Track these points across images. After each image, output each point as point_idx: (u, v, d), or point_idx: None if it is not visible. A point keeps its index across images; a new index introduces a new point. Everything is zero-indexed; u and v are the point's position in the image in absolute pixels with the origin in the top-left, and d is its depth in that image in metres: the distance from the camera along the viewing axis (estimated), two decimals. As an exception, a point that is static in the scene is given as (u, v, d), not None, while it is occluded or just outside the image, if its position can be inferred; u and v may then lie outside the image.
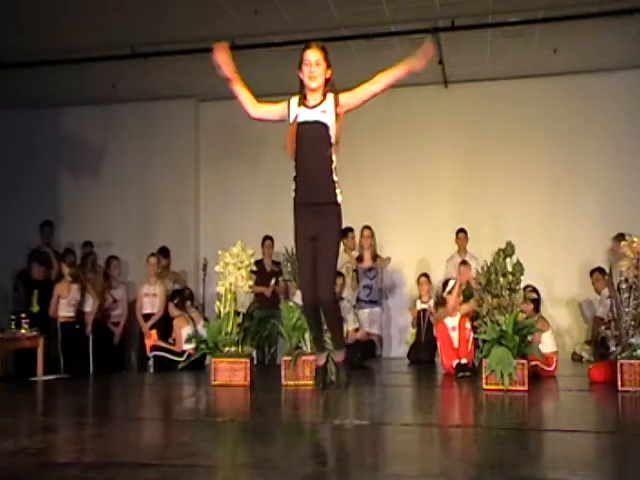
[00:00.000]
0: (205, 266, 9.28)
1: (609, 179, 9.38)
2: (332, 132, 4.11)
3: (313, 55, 4.11)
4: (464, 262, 8.66)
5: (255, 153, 10.20)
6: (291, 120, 4.14)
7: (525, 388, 5.75)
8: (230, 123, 10.38)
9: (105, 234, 9.90)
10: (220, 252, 6.71)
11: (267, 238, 9.25)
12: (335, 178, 4.13)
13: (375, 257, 9.05)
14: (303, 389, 6.06)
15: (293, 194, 4.19)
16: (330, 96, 4.14)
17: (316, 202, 4.10)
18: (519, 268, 6.14)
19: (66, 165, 10.58)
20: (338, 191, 4.14)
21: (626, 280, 6.06)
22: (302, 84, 4.17)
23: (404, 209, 9.80)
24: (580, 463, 3.34)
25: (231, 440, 4.25)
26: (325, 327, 4.42)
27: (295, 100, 4.18)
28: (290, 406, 5.65)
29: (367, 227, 8.99)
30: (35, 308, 7.61)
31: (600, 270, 8.29)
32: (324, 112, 4.10)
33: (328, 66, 4.14)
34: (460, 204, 9.60)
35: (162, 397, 6.32)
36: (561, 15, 7.81)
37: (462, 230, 9.20)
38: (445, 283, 7.65)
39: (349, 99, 4.16)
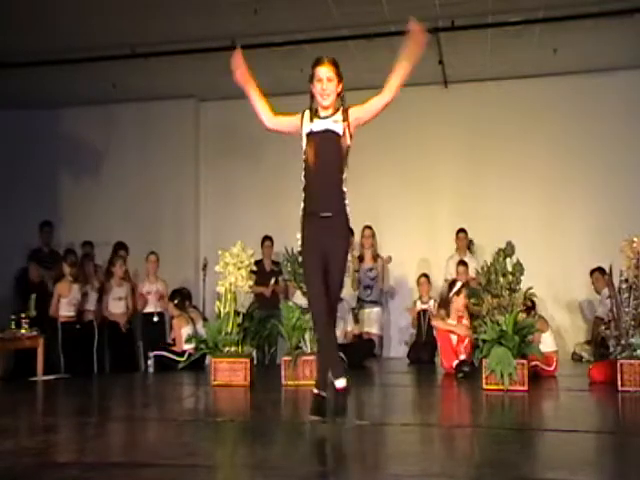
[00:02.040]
0: (205, 266, 9.28)
1: (609, 179, 9.39)
2: (342, 142, 4.07)
3: (325, 72, 4.08)
4: (463, 262, 8.67)
5: (255, 153, 10.20)
6: (304, 134, 4.11)
7: (525, 388, 5.75)
8: (230, 123, 10.39)
9: (105, 234, 9.89)
10: (220, 252, 6.71)
11: (267, 238, 9.25)
12: (344, 189, 4.10)
13: (376, 257, 9.05)
14: (303, 389, 6.05)
15: (302, 204, 4.16)
16: (341, 110, 4.12)
17: (325, 214, 4.05)
18: (519, 268, 6.14)
19: (66, 165, 10.58)
20: (347, 202, 4.10)
21: (626, 280, 6.06)
22: (313, 99, 4.14)
23: (404, 209, 9.81)
24: (580, 463, 3.34)
25: (231, 440, 4.24)
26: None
27: (307, 115, 4.14)
28: (290, 406, 5.65)
29: (368, 227, 8.99)
30: (32, 313, 7.58)
31: (600, 270, 8.29)
32: (335, 122, 4.08)
33: (340, 80, 4.11)
34: (460, 204, 9.61)
35: (162, 397, 6.31)
36: (561, 15, 7.82)
37: (462, 230, 9.21)
38: (452, 284, 7.63)
39: (359, 112, 4.11)
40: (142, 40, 8.39)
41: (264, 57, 8.74)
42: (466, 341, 7.05)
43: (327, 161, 4.07)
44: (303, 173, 4.14)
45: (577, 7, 7.64)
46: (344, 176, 4.10)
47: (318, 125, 4.09)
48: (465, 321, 7.22)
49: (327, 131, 4.07)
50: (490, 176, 9.66)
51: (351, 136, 4.11)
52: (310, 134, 4.10)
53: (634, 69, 9.41)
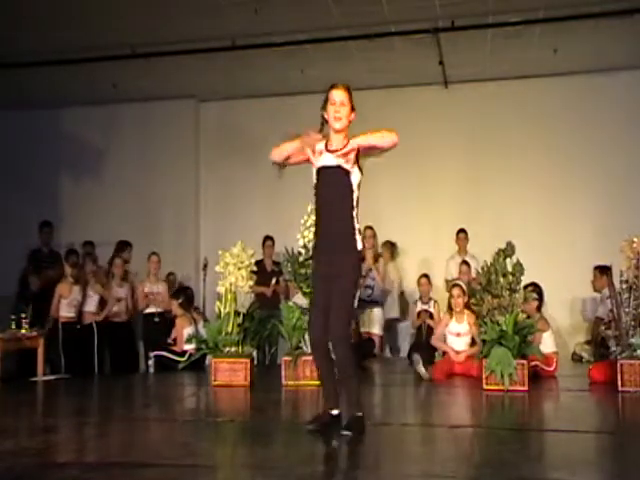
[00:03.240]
0: (205, 266, 9.28)
1: (609, 179, 9.39)
2: (353, 178, 4.04)
3: (339, 96, 4.06)
4: (465, 262, 8.66)
5: (255, 153, 10.16)
6: (314, 169, 4.10)
7: (525, 388, 5.75)
8: (230, 123, 10.41)
9: (105, 234, 9.89)
10: (220, 252, 6.70)
11: (268, 238, 9.25)
12: (356, 225, 4.07)
13: (377, 257, 9.05)
14: (303, 389, 6.06)
15: (313, 239, 4.20)
16: (352, 142, 4.03)
17: (336, 251, 4.03)
18: (519, 268, 6.14)
19: (66, 165, 10.58)
20: (358, 238, 4.07)
21: (626, 280, 6.06)
22: (324, 123, 4.12)
23: (404, 209, 9.81)
24: (580, 463, 3.34)
25: (231, 440, 4.25)
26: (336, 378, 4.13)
27: (318, 148, 4.10)
28: (290, 406, 5.65)
29: (369, 227, 8.99)
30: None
31: (601, 269, 8.23)
32: (348, 161, 4.03)
33: (352, 109, 4.10)
34: (461, 204, 9.61)
35: (162, 397, 6.31)
36: (561, 15, 7.83)
37: (462, 230, 9.21)
38: (452, 287, 7.62)
39: (357, 140, 4.05)
40: (142, 40, 8.39)
41: (264, 57, 8.76)
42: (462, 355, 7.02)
43: (338, 201, 4.05)
44: (314, 206, 4.16)
45: (577, 7, 7.65)
46: (355, 212, 4.06)
47: (329, 160, 4.06)
48: (464, 338, 7.16)
49: (337, 167, 4.04)
50: (491, 176, 9.66)
51: (360, 169, 4.07)
52: (321, 169, 4.08)
53: (634, 69, 9.41)
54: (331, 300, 4.00)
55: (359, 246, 4.08)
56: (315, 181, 4.13)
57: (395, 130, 4.08)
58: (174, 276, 9.75)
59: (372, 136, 4.03)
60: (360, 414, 4.03)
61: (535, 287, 6.92)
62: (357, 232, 4.08)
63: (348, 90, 4.12)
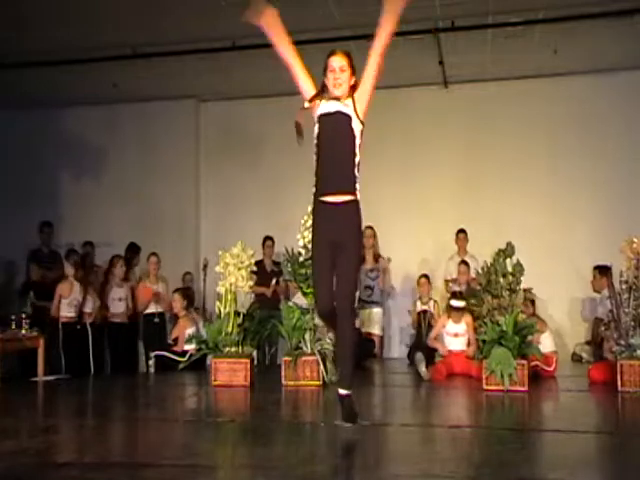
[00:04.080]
0: (205, 266, 9.29)
1: (610, 179, 9.39)
2: (355, 124, 4.02)
3: (338, 61, 4.06)
4: (464, 262, 8.65)
5: (256, 153, 10.20)
6: (316, 115, 4.05)
7: (525, 388, 5.75)
8: (231, 123, 10.41)
9: (105, 234, 9.90)
10: (220, 252, 6.71)
11: (268, 238, 9.25)
12: (357, 173, 4.03)
13: (377, 257, 9.05)
14: (303, 389, 6.07)
15: (313, 189, 4.08)
16: (349, 98, 4.08)
17: (335, 200, 3.97)
18: (519, 269, 6.14)
19: (66, 165, 10.58)
20: (358, 187, 4.04)
21: (626, 281, 6.06)
22: (325, 90, 4.09)
23: (404, 209, 9.81)
24: (580, 463, 3.34)
25: (231, 440, 4.25)
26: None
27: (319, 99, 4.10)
28: (290, 406, 5.65)
29: (369, 227, 8.98)
30: (28, 310, 7.58)
31: (600, 269, 8.22)
32: (346, 105, 4.04)
33: (353, 72, 4.08)
34: (460, 204, 9.61)
35: (162, 397, 6.31)
36: (561, 15, 7.82)
37: (462, 230, 9.20)
38: (453, 294, 7.62)
39: (361, 93, 4.06)
40: (143, 40, 8.40)
41: (264, 57, 8.74)
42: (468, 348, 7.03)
43: (339, 142, 4.03)
44: (315, 155, 4.08)
45: (577, 7, 7.64)
46: (357, 160, 4.04)
47: (330, 106, 4.05)
48: (461, 338, 7.17)
49: (339, 113, 4.03)
50: (490, 176, 9.66)
51: (362, 122, 4.05)
52: (322, 115, 4.05)
53: (634, 69, 9.41)
54: (336, 269, 3.95)
55: (359, 195, 4.04)
56: (317, 128, 4.08)
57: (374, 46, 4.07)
58: (191, 275, 9.71)
59: (368, 68, 4.04)
60: (348, 392, 3.99)
61: (529, 292, 6.93)
62: (358, 180, 4.03)
63: (348, 55, 4.10)
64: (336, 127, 4.03)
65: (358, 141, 4.05)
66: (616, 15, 7.72)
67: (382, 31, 4.12)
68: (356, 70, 4.10)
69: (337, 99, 4.06)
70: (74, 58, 8.64)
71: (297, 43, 8.98)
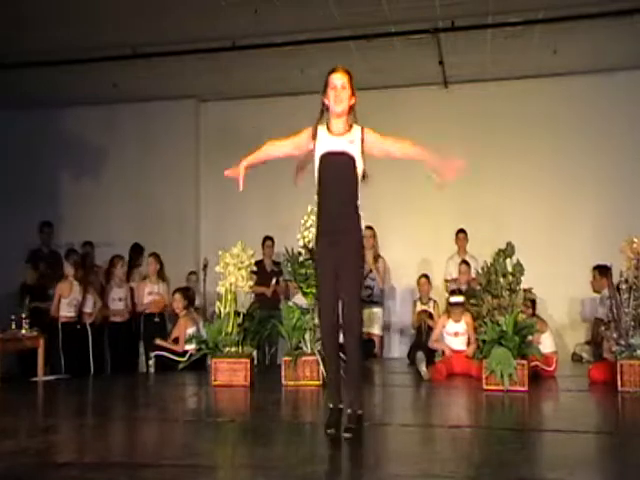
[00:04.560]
0: (205, 266, 9.28)
1: (609, 179, 9.39)
2: (358, 164, 4.01)
3: (339, 79, 4.02)
4: (465, 262, 8.64)
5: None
6: (317, 154, 4.04)
7: (525, 388, 5.75)
8: (231, 123, 10.40)
9: (105, 234, 9.90)
10: (220, 252, 6.70)
11: (267, 238, 9.25)
12: (360, 213, 4.05)
13: (377, 257, 9.05)
14: (303, 389, 6.07)
15: (315, 228, 4.14)
16: (357, 128, 4.05)
17: (339, 231, 3.98)
18: (519, 268, 6.14)
19: (66, 165, 10.58)
20: (362, 223, 4.07)
21: (626, 281, 6.06)
22: (324, 110, 4.07)
23: (404, 209, 9.81)
24: (580, 463, 3.34)
25: (231, 440, 4.25)
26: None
27: (320, 131, 4.06)
28: (290, 406, 5.65)
29: (368, 227, 8.98)
30: (25, 313, 7.57)
31: (600, 269, 8.21)
32: (352, 142, 4.00)
33: (353, 93, 4.05)
34: (460, 204, 9.60)
35: (162, 397, 6.31)
36: (561, 15, 7.83)
37: (462, 230, 9.20)
38: (452, 292, 7.61)
39: (374, 141, 4.07)
40: (143, 40, 8.40)
41: (264, 57, 8.76)
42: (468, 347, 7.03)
43: (343, 184, 4.01)
44: (317, 193, 4.09)
45: (577, 7, 7.64)
46: (359, 201, 4.05)
47: (333, 145, 4.00)
48: (461, 337, 7.17)
49: (343, 154, 3.99)
50: (490, 176, 9.65)
51: (364, 161, 4.05)
52: (325, 155, 4.01)
53: (634, 69, 9.41)
54: (339, 284, 3.96)
55: (363, 228, 4.09)
56: (318, 166, 4.05)
57: (418, 146, 4.21)
58: (195, 275, 9.68)
59: (390, 143, 4.13)
60: (360, 412, 4.00)
61: (529, 292, 6.92)
62: (361, 218, 4.06)
63: (348, 73, 4.08)
64: (340, 169, 4.01)
65: (360, 181, 4.05)
66: (616, 15, 7.72)
67: (417, 154, 4.32)
68: (355, 91, 4.08)
69: (340, 135, 4.02)
70: (74, 58, 8.64)
71: (296, 43, 9.03)
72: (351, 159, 4.00)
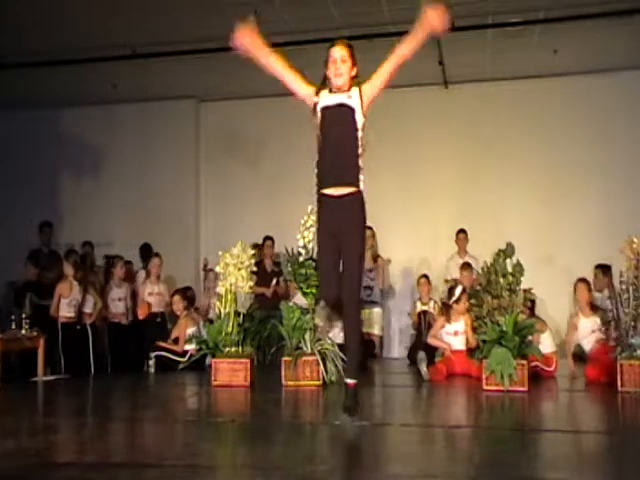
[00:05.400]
0: (205, 266, 9.28)
1: (610, 179, 9.39)
2: (358, 117, 4.08)
3: (339, 52, 4.11)
4: (467, 265, 8.61)
5: (256, 154, 10.20)
6: (318, 108, 4.11)
7: (525, 388, 5.75)
8: (231, 124, 10.40)
9: (105, 234, 9.91)
10: (220, 253, 6.71)
11: (267, 238, 9.26)
12: (360, 163, 4.08)
13: (376, 258, 9.05)
14: (303, 389, 6.06)
15: (315, 180, 4.12)
16: (355, 88, 4.14)
17: (339, 192, 4.01)
18: (519, 269, 6.14)
19: (66, 165, 10.59)
20: (362, 177, 4.09)
21: (626, 280, 6.05)
22: (327, 81, 4.14)
23: (404, 209, 9.81)
24: (580, 463, 3.35)
25: (231, 440, 4.25)
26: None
27: (322, 91, 4.16)
28: (290, 406, 5.65)
29: (368, 227, 8.95)
30: (27, 311, 7.57)
31: (602, 268, 8.18)
32: (349, 97, 4.09)
33: (354, 63, 4.13)
34: (460, 204, 9.61)
35: (162, 397, 6.31)
36: (561, 15, 7.83)
37: (462, 231, 9.20)
38: (451, 289, 7.59)
39: (370, 87, 4.13)
40: (142, 40, 8.40)
41: (264, 57, 8.75)
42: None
43: (343, 134, 4.07)
44: (317, 148, 4.12)
45: (577, 7, 7.65)
46: (360, 151, 4.08)
47: (332, 99, 4.10)
48: (461, 336, 7.17)
49: (341, 105, 4.08)
50: (490, 176, 9.66)
51: (365, 115, 4.11)
52: (325, 108, 4.10)
53: (634, 70, 9.41)
54: (341, 258, 3.99)
55: (362, 186, 4.10)
56: (319, 120, 4.12)
57: (395, 51, 4.09)
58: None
59: (381, 72, 4.11)
60: (354, 381, 4.14)
61: (529, 292, 6.91)
62: (361, 171, 4.08)
63: (349, 46, 4.14)
64: (339, 119, 4.08)
65: (360, 134, 4.08)
66: (616, 15, 7.72)
67: (409, 43, 4.10)
68: (357, 61, 4.14)
69: (340, 90, 4.10)
70: (74, 58, 8.64)
71: (296, 43, 9.02)
72: (350, 109, 4.08)
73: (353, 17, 7.89)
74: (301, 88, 4.21)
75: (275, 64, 4.24)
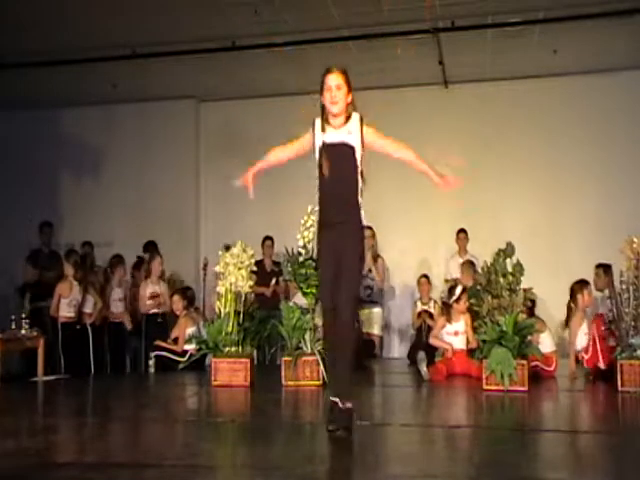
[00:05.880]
0: (205, 266, 9.28)
1: (610, 178, 9.40)
2: (358, 154, 4.07)
3: (334, 80, 4.06)
4: (469, 262, 8.60)
5: (256, 153, 10.08)
6: (317, 145, 4.09)
7: (525, 388, 5.75)
8: (230, 123, 10.40)
9: (105, 234, 9.90)
10: (220, 252, 6.70)
11: (267, 238, 9.26)
12: (360, 200, 4.09)
13: (376, 257, 9.04)
14: (303, 389, 6.06)
15: (317, 217, 4.16)
16: (355, 116, 4.10)
17: (340, 221, 4.03)
18: (519, 268, 6.13)
19: (66, 165, 10.58)
20: (362, 213, 4.10)
21: (626, 280, 6.05)
22: (324, 109, 4.11)
23: (404, 209, 9.81)
24: (580, 463, 3.35)
25: (231, 440, 4.25)
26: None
27: (319, 125, 4.12)
28: (290, 406, 5.65)
29: (368, 227, 8.97)
30: (26, 311, 7.57)
31: (603, 267, 8.16)
32: (350, 133, 4.06)
33: (349, 90, 4.09)
34: (460, 204, 9.59)
35: (162, 397, 6.31)
36: (561, 15, 7.83)
37: (462, 230, 9.20)
38: (451, 288, 7.59)
39: (373, 139, 4.14)
40: (142, 40, 8.40)
41: (264, 57, 8.76)
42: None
43: (343, 174, 4.05)
44: (317, 185, 4.12)
45: (577, 7, 7.65)
46: (360, 187, 4.09)
47: (332, 137, 4.07)
48: (461, 336, 7.17)
49: (342, 145, 4.05)
50: (490, 176, 9.65)
51: (363, 147, 4.11)
52: (324, 147, 4.06)
53: (634, 69, 9.41)
54: (339, 273, 3.98)
55: (364, 220, 4.11)
56: (317, 158, 4.10)
57: (412, 150, 4.21)
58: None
59: (389, 144, 4.18)
60: (349, 406, 3.93)
61: (529, 292, 6.91)
62: (361, 207, 4.09)
63: (344, 73, 4.10)
64: (340, 159, 4.05)
65: (359, 169, 4.09)
66: (616, 15, 7.73)
67: (415, 163, 4.30)
68: (352, 87, 4.11)
69: (337, 119, 4.07)
70: (73, 58, 8.64)
71: (296, 43, 9.03)
72: (350, 148, 4.06)
73: (353, 17, 7.89)
74: (304, 144, 4.22)
75: (280, 156, 4.41)
